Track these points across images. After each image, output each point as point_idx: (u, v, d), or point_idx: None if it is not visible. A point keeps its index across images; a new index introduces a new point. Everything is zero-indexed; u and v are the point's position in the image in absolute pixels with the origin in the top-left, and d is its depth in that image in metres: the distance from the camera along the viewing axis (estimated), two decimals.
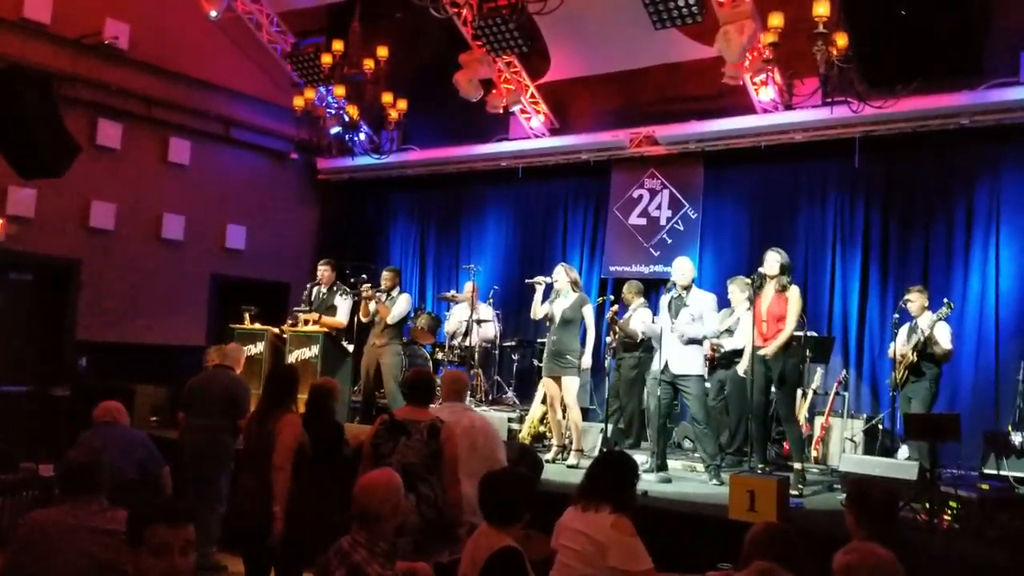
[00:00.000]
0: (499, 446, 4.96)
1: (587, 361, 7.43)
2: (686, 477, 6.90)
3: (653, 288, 9.25)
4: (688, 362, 6.71)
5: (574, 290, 7.43)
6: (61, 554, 3.12)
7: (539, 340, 9.42)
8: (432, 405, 4.61)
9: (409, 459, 4.24)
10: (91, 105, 9.53)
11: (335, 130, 11.14)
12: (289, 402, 4.67)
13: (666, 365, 6.73)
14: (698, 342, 6.82)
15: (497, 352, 9.75)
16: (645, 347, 7.89)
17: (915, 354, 6.67)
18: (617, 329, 7.96)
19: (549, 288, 7.53)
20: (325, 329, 7.88)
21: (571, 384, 7.29)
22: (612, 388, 8.15)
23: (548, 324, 7.49)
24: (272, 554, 4.34)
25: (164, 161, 10.47)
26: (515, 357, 9.85)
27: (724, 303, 7.75)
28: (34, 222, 9.09)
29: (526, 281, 7.97)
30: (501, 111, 10.13)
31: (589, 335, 7.48)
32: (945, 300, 6.72)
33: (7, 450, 7.05)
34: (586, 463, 4.88)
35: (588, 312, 7.41)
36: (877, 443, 7.53)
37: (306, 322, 8.09)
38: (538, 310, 7.52)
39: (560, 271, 7.47)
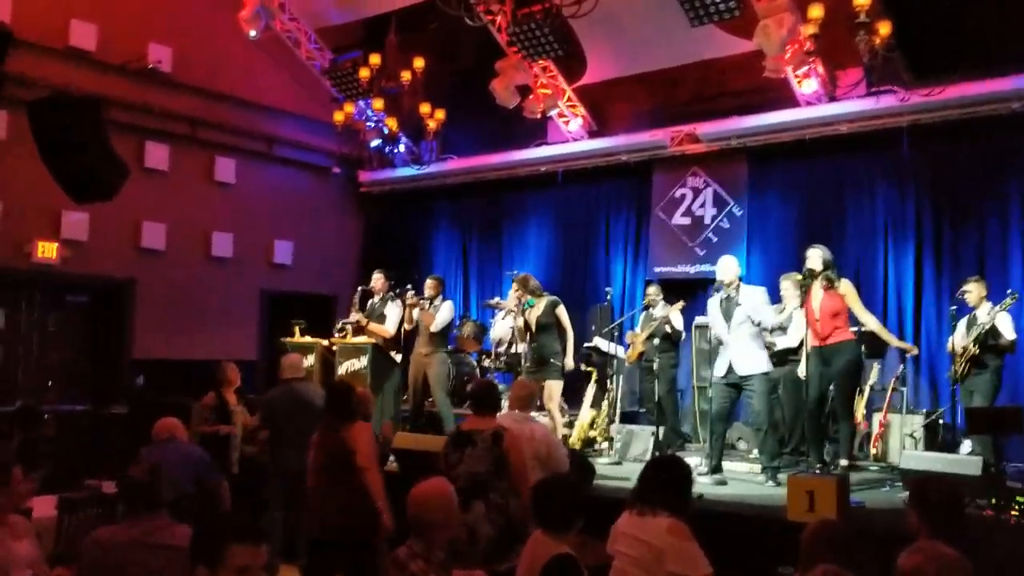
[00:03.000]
0: (562, 456, 4.99)
1: (570, 363, 7.54)
2: (742, 479, 6.78)
3: (701, 288, 9.14)
4: (754, 361, 6.52)
5: (538, 295, 7.54)
6: (127, 570, 3.16)
7: (585, 344, 9.39)
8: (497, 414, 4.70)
9: (475, 468, 4.35)
10: (138, 128, 9.74)
11: (375, 143, 11.25)
12: (354, 412, 4.83)
13: (729, 367, 6.59)
14: (766, 330, 6.71)
15: None
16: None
17: (977, 346, 6.48)
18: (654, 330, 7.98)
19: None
20: (373, 340, 7.94)
21: (556, 389, 7.42)
22: (647, 390, 8.17)
23: (527, 334, 7.63)
24: (366, 555, 4.42)
25: (210, 180, 10.67)
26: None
27: (773, 300, 7.64)
28: (87, 245, 9.33)
29: (484, 304, 8.26)
30: (539, 116, 10.11)
31: (568, 336, 7.50)
32: (1009, 291, 6.51)
33: (69, 468, 7.22)
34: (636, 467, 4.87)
35: (562, 313, 7.52)
36: (938, 438, 7.34)
37: (355, 328, 8.18)
38: (497, 330, 7.64)
39: (514, 288, 7.71)
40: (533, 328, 7.51)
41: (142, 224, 9.85)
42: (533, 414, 6.63)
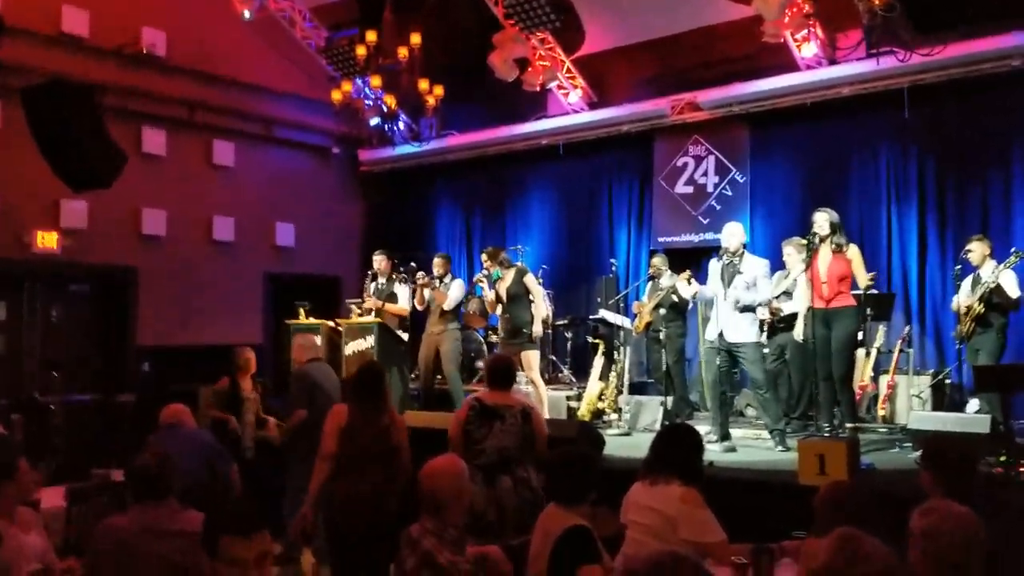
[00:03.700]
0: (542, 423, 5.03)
1: (538, 329, 7.56)
2: (751, 445, 6.81)
3: (705, 256, 9.11)
4: (743, 329, 6.59)
5: (506, 267, 7.59)
6: (138, 559, 3.16)
7: (591, 316, 9.39)
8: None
9: (505, 443, 4.37)
10: (134, 114, 9.66)
11: (374, 121, 11.18)
12: (388, 398, 4.70)
13: (721, 333, 6.63)
14: (752, 309, 6.71)
15: (551, 331, 9.72)
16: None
17: (982, 304, 6.46)
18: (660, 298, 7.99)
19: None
20: (379, 319, 7.93)
21: (533, 359, 7.46)
22: (655, 360, 8.21)
23: (501, 307, 7.68)
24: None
25: (209, 164, 10.61)
26: (568, 335, 9.81)
27: (777, 267, 7.62)
28: (88, 233, 9.29)
29: (475, 280, 8.45)
30: (538, 89, 10.03)
31: (538, 304, 7.56)
32: (1013, 249, 6.48)
33: (78, 458, 7.26)
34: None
35: (530, 281, 7.58)
36: (945, 398, 7.36)
37: (369, 311, 8.17)
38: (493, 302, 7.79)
39: (484, 259, 7.77)
40: (504, 299, 7.52)
41: (142, 211, 9.81)
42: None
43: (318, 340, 8.07)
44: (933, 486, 3.29)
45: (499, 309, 7.73)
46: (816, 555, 1.84)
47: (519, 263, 7.97)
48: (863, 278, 6.38)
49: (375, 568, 4.31)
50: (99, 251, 9.41)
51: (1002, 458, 5.21)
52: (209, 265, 10.48)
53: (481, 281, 8.05)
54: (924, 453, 3.46)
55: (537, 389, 7.44)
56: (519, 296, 7.52)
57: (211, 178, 10.61)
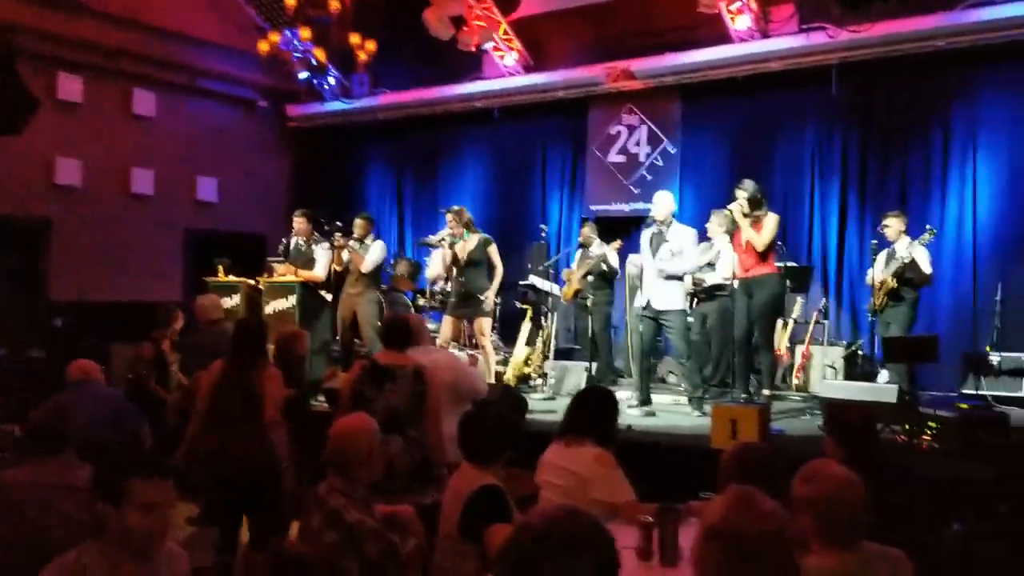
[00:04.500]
0: (471, 380, 5.08)
1: (491, 297, 7.54)
2: (670, 410, 6.93)
3: (635, 226, 9.18)
4: (669, 298, 6.69)
5: (471, 231, 7.51)
6: (27, 513, 3.08)
7: (521, 282, 9.39)
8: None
9: (395, 403, 4.33)
10: (49, 59, 9.21)
11: (303, 75, 10.86)
12: (264, 354, 4.65)
13: (648, 301, 6.71)
14: (679, 278, 6.79)
15: None
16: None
17: (895, 279, 6.66)
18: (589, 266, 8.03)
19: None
20: (301, 279, 7.78)
21: (485, 325, 7.48)
22: (582, 327, 8.29)
23: (455, 269, 7.61)
24: (269, 506, 4.33)
25: (129, 114, 10.20)
26: (498, 300, 9.77)
27: (706, 237, 7.73)
28: None
29: (419, 242, 8.22)
30: (473, 49, 9.89)
31: (497, 273, 7.52)
32: (928, 226, 6.69)
33: None
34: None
35: (494, 252, 7.52)
36: (857, 368, 7.59)
37: (283, 274, 8.00)
38: (431, 269, 7.77)
39: (449, 217, 7.61)
40: (463, 262, 7.46)
41: (55, 160, 9.39)
42: (468, 352, 6.66)
43: (235, 299, 7.90)
44: (835, 451, 3.39)
45: (453, 272, 7.62)
46: (713, 512, 1.86)
47: (483, 232, 7.84)
48: (759, 242, 6.42)
49: (260, 523, 4.33)
50: (9, 201, 8.99)
51: (906, 426, 5.40)
52: (127, 219, 10.13)
53: (443, 240, 7.92)
54: (827, 420, 3.57)
55: (486, 355, 7.43)
56: (479, 263, 7.44)
57: (130, 128, 10.22)
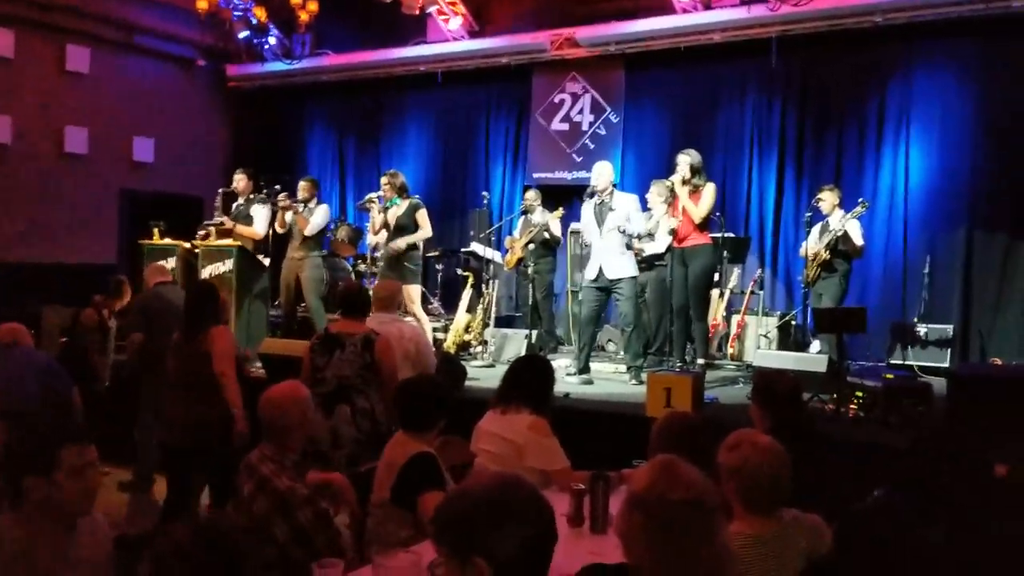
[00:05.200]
0: (430, 353, 5.11)
1: (400, 247, 7.30)
2: (608, 378, 7.03)
3: (577, 194, 9.21)
4: (623, 266, 6.70)
5: (403, 196, 7.48)
6: None
7: (463, 249, 9.38)
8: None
9: (343, 372, 4.34)
10: None
11: (243, 34, 10.59)
12: (217, 315, 4.68)
13: (599, 272, 6.73)
14: (629, 246, 6.85)
15: (421, 263, 9.64)
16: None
17: (827, 251, 6.83)
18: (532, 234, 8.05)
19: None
20: (239, 243, 7.65)
21: (414, 292, 7.43)
22: (523, 295, 8.34)
23: (385, 234, 7.56)
24: (215, 464, 4.35)
25: (62, 70, 9.86)
26: (439, 267, 9.77)
27: (646, 207, 7.79)
28: None
29: (357, 205, 8.09)
30: (417, 12, 9.73)
31: (421, 234, 7.43)
32: (860, 200, 6.84)
33: None
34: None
35: (422, 217, 7.45)
36: (791, 339, 7.78)
37: (221, 231, 7.85)
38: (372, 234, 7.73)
39: (384, 180, 7.58)
40: (391, 227, 7.42)
41: None
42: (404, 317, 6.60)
43: (171, 263, 7.74)
44: (762, 418, 3.49)
45: (382, 236, 7.58)
46: (637, 480, 1.91)
47: (415, 196, 7.77)
48: (696, 213, 6.48)
49: (219, 488, 4.35)
50: None
51: (834, 396, 5.58)
52: (59, 178, 9.82)
53: (373, 202, 7.82)
54: (754, 388, 3.66)
55: (420, 323, 7.39)
56: (407, 228, 7.35)
57: (64, 85, 9.89)
